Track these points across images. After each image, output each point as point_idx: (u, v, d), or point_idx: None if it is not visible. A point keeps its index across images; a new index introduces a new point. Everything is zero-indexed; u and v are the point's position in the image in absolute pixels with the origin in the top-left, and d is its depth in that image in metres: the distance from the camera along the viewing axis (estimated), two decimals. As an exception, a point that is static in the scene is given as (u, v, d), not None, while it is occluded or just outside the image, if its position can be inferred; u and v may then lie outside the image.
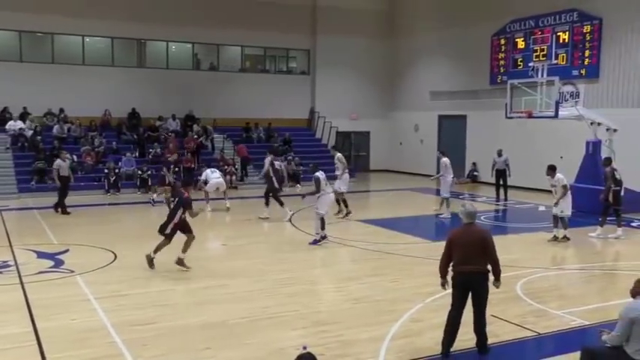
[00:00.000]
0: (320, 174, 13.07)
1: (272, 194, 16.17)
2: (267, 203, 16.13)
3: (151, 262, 10.55)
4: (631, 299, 5.58)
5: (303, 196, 14.26)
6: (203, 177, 18.03)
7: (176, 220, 10.40)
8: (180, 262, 10.48)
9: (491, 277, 6.84)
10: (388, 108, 30.36)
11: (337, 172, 16.37)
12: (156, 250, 10.56)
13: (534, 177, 20.48)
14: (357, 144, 30.57)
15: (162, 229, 10.51)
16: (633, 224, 15.55)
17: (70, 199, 17.18)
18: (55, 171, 17.07)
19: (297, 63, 29.89)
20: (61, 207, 16.80)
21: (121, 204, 19.30)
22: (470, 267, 6.65)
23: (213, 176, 17.73)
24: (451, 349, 6.82)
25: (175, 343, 7.16)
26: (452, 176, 17.10)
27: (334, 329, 7.64)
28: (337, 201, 15.87)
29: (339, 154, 16.65)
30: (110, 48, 25.23)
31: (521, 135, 22.07)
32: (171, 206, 10.70)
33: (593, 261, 12.18)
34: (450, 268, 6.87)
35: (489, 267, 6.78)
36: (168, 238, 10.52)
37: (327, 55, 28.57)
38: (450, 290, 6.91)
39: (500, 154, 20.16)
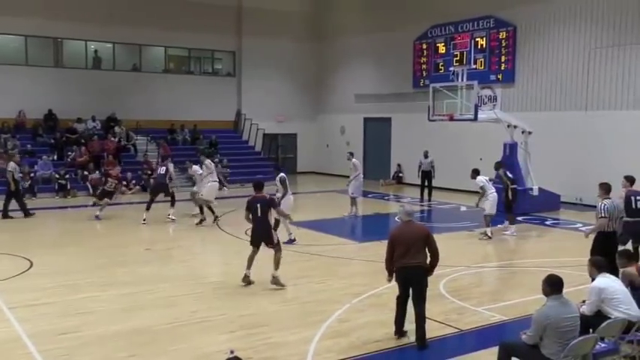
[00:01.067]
0: (283, 174, 13.09)
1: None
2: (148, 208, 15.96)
3: (277, 282, 9.69)
4: (543, 303, 5.76)
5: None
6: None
7: (273, 224, 9.87)
8: (276, 281, 9.65)
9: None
10: (315, 110, 30.56)
11: (211, 179, 16.02)
12: (276, 267, 9.68)
13: (456, 178, 21.18)
14: (284, 146, 30.61)
15: (267, 242, 9.73)
16: (547, 223, 16.36)
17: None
18: (9, 174, 16.25)
19: (222, 64, 29.57)
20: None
21: (37, 209, 18.43)
22: (411, 261, 7.04)
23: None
24: (403, 328, 7.33)
25: (98, 352, 6.93)
26: (361, 175, 17.37)
27: (263, 332, 7.61)
28: (201, 208, 15.84)
29: (207, 160, 16.41)
30: (24, 46, 24.05)
31: (443, 137, 22.71)
32: (256, 216, 9.69)
33: (510, 258, 12.76)
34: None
35: (428, 261, 7.20)
36: (278, 246, 9.78)
37: (253, 56, 28.42)
38: (377, 290, 7.06)
39: (426, 155, 20.71)
